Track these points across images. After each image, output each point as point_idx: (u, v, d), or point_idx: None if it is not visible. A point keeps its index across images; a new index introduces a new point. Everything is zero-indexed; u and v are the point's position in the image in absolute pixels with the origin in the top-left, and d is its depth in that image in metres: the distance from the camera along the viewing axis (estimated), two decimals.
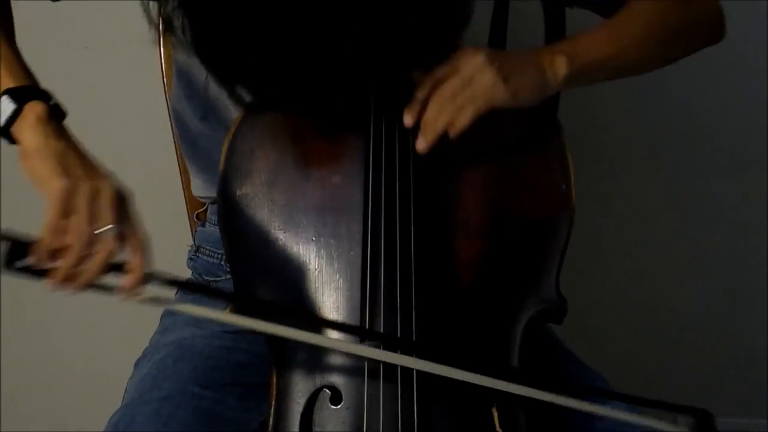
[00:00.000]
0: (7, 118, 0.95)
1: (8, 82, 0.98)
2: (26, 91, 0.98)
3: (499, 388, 0.96)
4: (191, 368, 1.11)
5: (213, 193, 1.20)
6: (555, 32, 1.32)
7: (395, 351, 0.96)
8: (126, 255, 0.91)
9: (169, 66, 1.35)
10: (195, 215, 1.39)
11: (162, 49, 1.43)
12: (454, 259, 1.03)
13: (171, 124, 1.42)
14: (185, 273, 1.35)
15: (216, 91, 1.20)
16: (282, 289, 1.03)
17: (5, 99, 0.96)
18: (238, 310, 0.98)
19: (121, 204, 0.92)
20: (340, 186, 1.04)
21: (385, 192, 1.02)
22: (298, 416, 0.99)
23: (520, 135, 1.10)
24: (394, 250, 1.00)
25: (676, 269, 1.98)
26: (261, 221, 1.04)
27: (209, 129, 1.24)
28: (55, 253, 0.88)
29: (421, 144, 1.01)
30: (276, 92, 1.01)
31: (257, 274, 1.04)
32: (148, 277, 0.91)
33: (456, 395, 0.98)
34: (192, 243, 1.36)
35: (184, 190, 1.46)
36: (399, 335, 0.97)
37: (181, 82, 1.25)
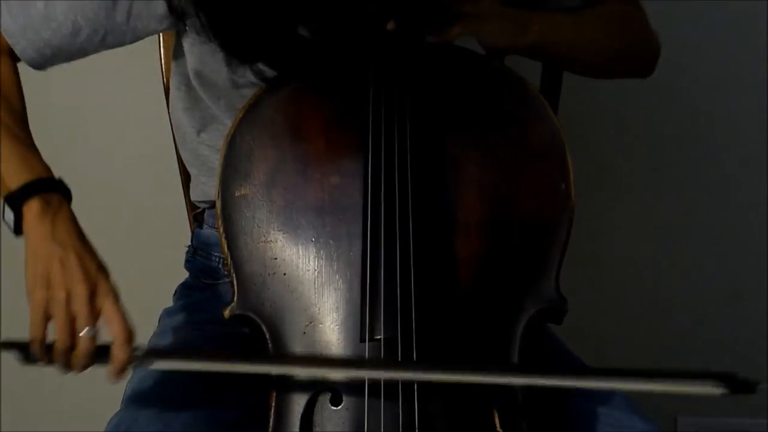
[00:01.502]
0: (14, 227, 1.03)
1: (8, 185, 1.04)
2: (23, 191, 1.03)
3: (500, 382, 0.96)
4: None
5: (212, 198, 1.20)
6: None
7: (395, 355, 0.96)
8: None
9: (169, 66, 1.35)
10: (193, 216, 1.39)
11: (162, 50, 1.43)
12: (454, 258, 1.03)
13: (171, 125, 1.42)
14: (183, 274, 1.35)
15: (214, 108, 1.20)
16: (281, 291, 1.02)
17: (6, 209, 1.03)
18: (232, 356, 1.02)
19: (100, 301, 0.99)
20: (339, 186, 1.04)
21: (385, 192, 1.02)
22: (299, 417, 0.98)
23: (520, 135, 1.10)
24: (394, 250, 1.00)
25: (676, 269, 1.97)
26: (260, 222, 1.04)
27: (208, 140, 1.24)
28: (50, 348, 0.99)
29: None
30: (293, 62, 1.09)
31: (255, 275, 1.03)
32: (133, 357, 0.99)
33: (457, 396, 0.98)
34: (190, 244, 1.36)
35: (183, 190, 1.46)
36: (399, 336, 0.97)
37: (181, 93, 1.25)
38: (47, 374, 1.91)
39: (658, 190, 1.94)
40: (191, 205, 1.41)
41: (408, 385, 0.96)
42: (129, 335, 0.98)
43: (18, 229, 1.03)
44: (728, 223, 1.94)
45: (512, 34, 1.14)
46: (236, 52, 1.09)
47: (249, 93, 1.11)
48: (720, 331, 1.99)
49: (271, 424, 1.00)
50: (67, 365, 1.00)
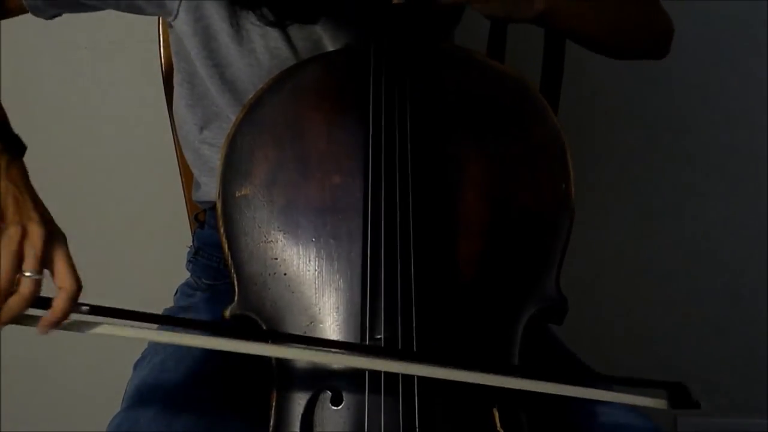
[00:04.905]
0: None
1: None
2: None
3: (500, 385, 0.96)
4: (192, 370, 1.11)
5: (213, 199, 1.20)
6: (555, 38, 1.33)
7: (396, 353, 0.96)
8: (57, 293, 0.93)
9: (170, 68, 1.35)
10: (194, 216, 1.39)
11: (162, 50, 1.43)
12: (455, 258, 1.03)
13: (171, 125, 1.42)
14: (184, 275, 1.35)
15: (219, 101, 1.21)
16: (281, 291, 1.02)
17: None
18: (228, 332, 0.99)
19: (52, 248, 0.93)
20: (340, 186, 1.04)
21: (385, 191, 1.02)
22: (299, 417, 0.98)
23: (520, 134, 1.10)
24: (395, 249, 1.00)
25: (676, 269, 1.97)
26: (260, 222, 1.04)
27: (210, 138, 1.24)
28: None
29: None
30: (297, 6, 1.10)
31: (256, 275, 1.03)
32: (75, 310, 0.93)
33: (457, 395, 0.98)
34: (191, 245, 1.36)
35: (184, 191, 1.46)
36: (400, 336, 0.97)
37: (184, 90, 1.25)
38: (47, 374, 1.93)
39: (658, 190, 1.94)
40: (192, 206, 1.41)
41: (408, 382, 0.96)
42: (78, 289, 0.93)
43: None
44: (728, 223, 1.94)
45: (517, 3, 1.12)
46: None
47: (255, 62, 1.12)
48: (720, 331, 1.99)
49: (271, 424, 0.99)
50: None
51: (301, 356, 0.98)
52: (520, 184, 1.07)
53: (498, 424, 0.98)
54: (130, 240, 1.86)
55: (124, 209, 1.84)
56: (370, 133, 1.05)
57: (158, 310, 1.29)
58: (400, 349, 0.97)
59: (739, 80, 1.86)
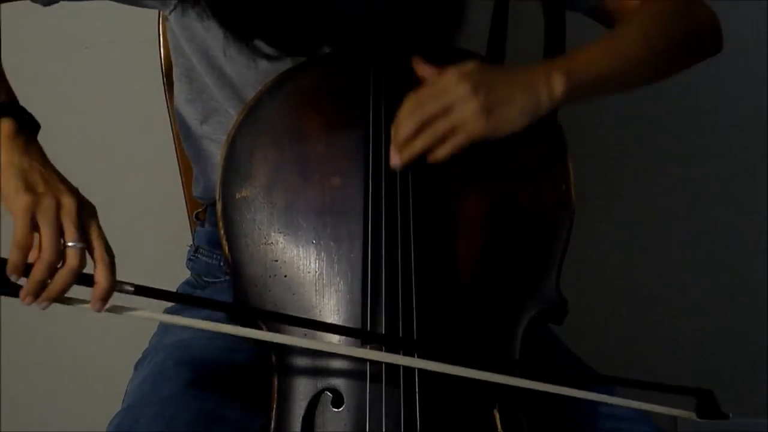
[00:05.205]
0: None
1: None
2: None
3: (502, 382, 0.96)
4: (192, 370, 1.11)
5: (212, 194, 1.20)
6: (555, 35, 1.33)
7: (397, 351, 0.96)
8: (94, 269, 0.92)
9: (170, 66, 1.35)
10: (195, 215, 1.39)
11: (162, 50, 1.43)
12: (455, 260, 1.03)
13: (171, 124, 1.42)
14: (185, 273, 1.35)
15: (218, 96, 1.21)
16: (282, 293, 1.02)
17: None
18: (233, 319, 0.99)
19: (86, 218, 0.93)
20: (340, 187, 1.04)
21: (385, 192, 1.02)
22: (300, 419, 0.98)
23: (520, 135, 1.10)
24: (395, 251, 1.00)
25: (676, 269, 1.97)
26: (260, 224, 1.04)
27: (211, 132, 1.24)
28: (27, 269, 0.89)
29: (395, 160, 1.02)
30: (290, 40, 1.08)
31: (257, 277, 1.03)
32: (118, 288, 0.93)
33: (458, 396, 0.98)
34: (192, 243, 1.36)
35: (184, 189, 1.46)
36: (400, 336, 0.97)
37: (183, 85, 1.25)
38: (48, 374, 1.93)
39: (658, 191, 1.94)
40: (192, 204, 1.41)
41: (409, 382, 0.96)
42: (113, 260, 0.92)
43: None
44: (728, 224, 1.94)
45: (534, 103, 1.03)
46: (234, 27, 1.08)
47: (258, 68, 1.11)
48: (720, 331, 1.99)
49: (272, 426, 1.00)
50: (43, 287, 0.90)
51: (303, 344, 0.97)
52: (520, 184, 1.07)
53: (499, 426, 0.99)
54: (130, 239, 1.85)
55: (124, 208, 1.84)
56: (370, 134, 1.05)
57: (158, 309, 1.29)
58: (402, 337, 0.97)
59: (739, 80, 1.86)
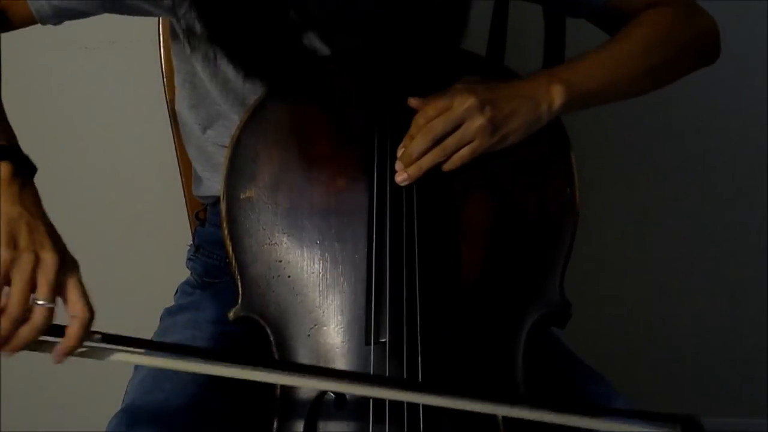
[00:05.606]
0: None
1: None
2: None
3: (502, 413, 0.95)
4: None
5: (215, 193, 1.19)
6: (555, 36, 1.33)
7: (400, 387, 0.95)
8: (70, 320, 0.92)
9: (170, 66, 1.35)
10: (195, 215, 1.39)
11: (162, 50, 1.42)
12: (459, 262, 1.03)
13: (171, 124, 1.42)
14: (184, 273, 1.35)
15: (221, 101, 1.20)
16: (286, 293, 1.02)
17: None
18: (224, 357, 0.97)
19: (66, 275, 0.92)
20: (345, 189, 1.04)
21: (390, 195, 1.02)
22: (303, 420, 0.98)
23: (525, 139, 1.10)
24: (400, 253, 1.00)
25: (677, 271, 1.98)
26: (264, 224, 1.04)
27: (214, 137, 1.24)
28: None
29: (402, 177, 1.03)
30: (289, 71, 1.09)
31: (260, 277, 1.03)
32: (90, 338, 0.92)
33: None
34: (191, 243, 1.36)
35: (184, 189, 1.46)
36: (405, 339, 0.97)
37: (186, 91, 1.25)
38: (48, 374, 1.92)
39: (659, 192, 1.94)
40: (192, 204, 1.41)
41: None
42: (91, 317, 0.91)
43: None
44: (729, 224, 1.95)
45: (535, 115, 1.07)
46: (226, 45, 1.08)
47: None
48: (720, 331, 2.00)
49: (275, 427, 0.99)
50: (7, 340, 0.90)
51: (304, 384, 0.97)
52: (524, 188, 1.08)
53: (501, 428, 0.98)
54: (130, 239, 1.85)
55: (124, 208, 1.84)
56: (375, 135, 1.04)
57: (158, 309, 1.29)
58: (405, 379, 0.96)
59: (740, 80, 1.86)
